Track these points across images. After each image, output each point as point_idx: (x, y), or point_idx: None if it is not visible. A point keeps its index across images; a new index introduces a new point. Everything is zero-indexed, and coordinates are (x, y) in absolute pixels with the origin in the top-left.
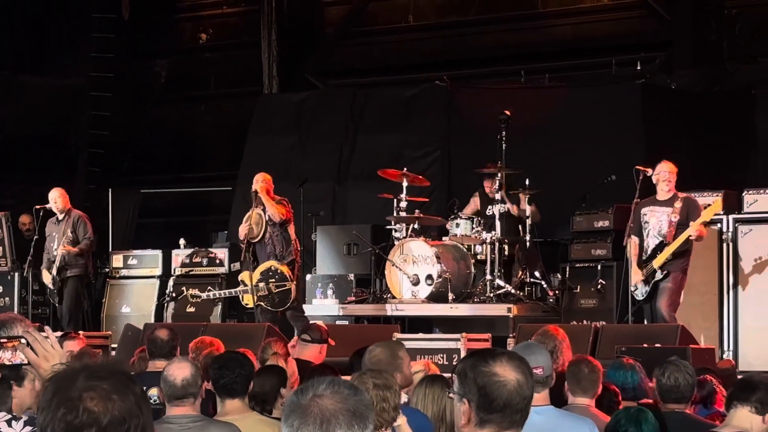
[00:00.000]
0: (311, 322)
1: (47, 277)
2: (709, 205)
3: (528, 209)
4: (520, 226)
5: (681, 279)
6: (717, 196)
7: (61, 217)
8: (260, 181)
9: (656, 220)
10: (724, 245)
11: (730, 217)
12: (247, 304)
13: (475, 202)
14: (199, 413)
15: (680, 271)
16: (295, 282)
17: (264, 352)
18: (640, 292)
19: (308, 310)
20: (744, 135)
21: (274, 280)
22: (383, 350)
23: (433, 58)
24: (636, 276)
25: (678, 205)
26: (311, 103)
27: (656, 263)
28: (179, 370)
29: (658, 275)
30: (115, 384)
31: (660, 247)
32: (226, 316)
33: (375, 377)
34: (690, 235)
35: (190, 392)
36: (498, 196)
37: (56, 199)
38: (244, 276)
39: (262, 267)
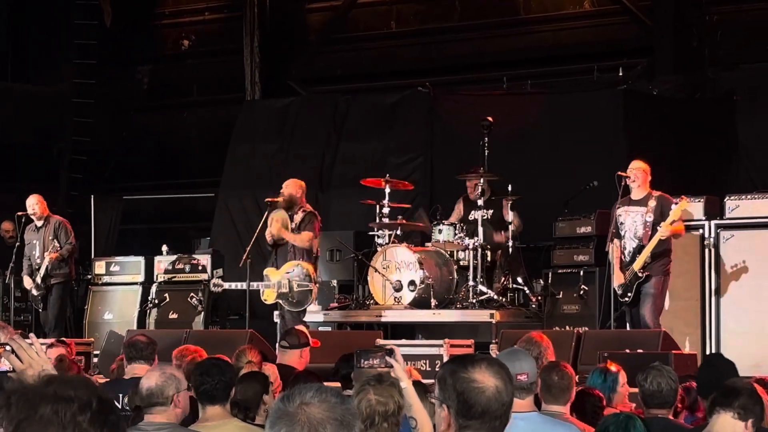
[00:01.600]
0: (292, 327)
1: (29, 283)
2: (676, 203)
3: (510, 215)
4: (502, 232)
5: (663, 282)
6: (699, 201)
7: (39, 224)
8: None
9: (631, 221)
10: (706, 251)
11: (712, 222)
12: (266, 300)
13: (459, 209)
14: (171, 420)
15: (661, 273)
16: (317, 286)
17: (238, 359)
18: (624, 295)
19: None
20: (725, 141)
21: (297, 279)
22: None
23: (416, 64)
24: (618, 280)
25: (652, 204)
26: (293, 110)
27: (636, 266)
28: (146, 379)
29: (640, 278)
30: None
31: (638, 250)
32: (208, 323)
33: (378, 393)
34: (661, 236)
35: (154, 402)
36: (480, 203)
37: (34, 205)
38: (268, 271)
39: (288, 264)
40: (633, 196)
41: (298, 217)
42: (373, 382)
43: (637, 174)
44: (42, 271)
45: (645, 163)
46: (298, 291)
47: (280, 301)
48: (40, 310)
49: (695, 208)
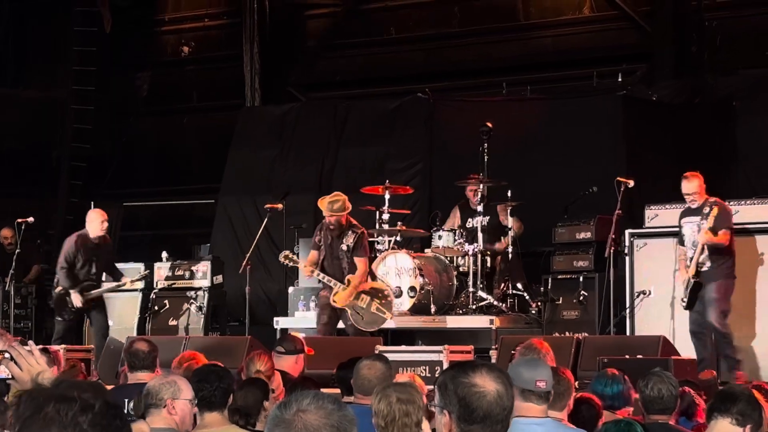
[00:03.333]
0: (288, 333)
1: (78, 300)
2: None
3: (510, 221)
4: (502, 238)
5: (726, 286)
6: None
7: (96, 240)
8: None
9: (690, 230)
10: None
11: None
12: (335, 302)
13: (455, 216)
14: (171, 426)
15: (722, 277)
16: (390, 318)
17: (248, 368)
18: (682, 300)
19: (291, 322)
20: (725, 146)
21: (379, 302)
22: (373, 370)
23: (415, 70)
24: (678, 283)
25: (706, 210)
26: (293, 116)
27: (690, 273)
28: (149, 382)
29: (691, 284)
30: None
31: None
32: (208, 330)
33: (399, 392)
34: (702, 242)
35: (149, 403)
36: (479, 208)
37: (106, 221)
38: (353, 278)
39: (381, 285)
40: (691, 205)
41: (350, 238)
42: (396, 385)
43: (686, 189)
44: (99, 290)
45: (690, 174)
46: (373, 314)
47: (349, 312)
48: (60, 319)
49: None
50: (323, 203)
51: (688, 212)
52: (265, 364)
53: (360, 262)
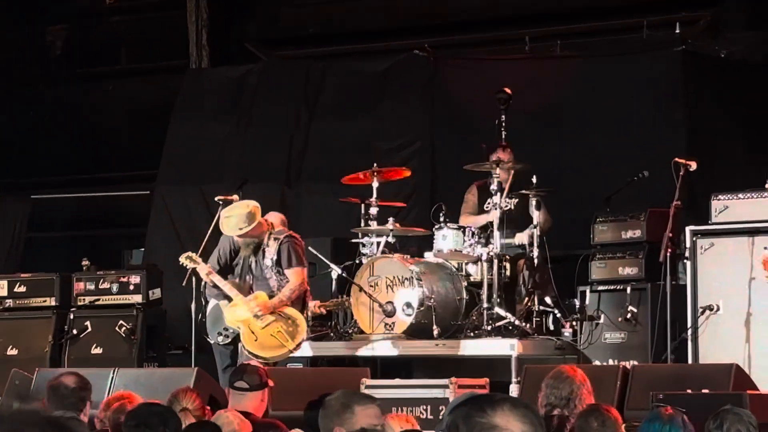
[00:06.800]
0: (244, 362)
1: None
2: None
3: (536, 215)
4: (527, 236)
5: None
6: None
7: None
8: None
9: None
10: None
11: None
12: (230, 319)
13: (472, 199)
14: None
15: None
16: (291, 352)
17: (171, 405)
18: None
19: None
20: None
21: (282, 327)
22: (336, 399)
23: (411, 21)
24: None
25: None
26: (253, 80)
27: None
28: None
29: None
30: None
31: None
32: (142, 360)
33: None
34: None
35: None
36: (496, 199)
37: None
38: (261, 294)
39: (297, 314)
40: None
41: (271, 249)
42: None
43: None
44: None
45: None
46: (270, 337)
47: (241, 329)
48: None
49: None
50: (221, 224)
51: None
52: (194, 401)
53: (291, 274)
